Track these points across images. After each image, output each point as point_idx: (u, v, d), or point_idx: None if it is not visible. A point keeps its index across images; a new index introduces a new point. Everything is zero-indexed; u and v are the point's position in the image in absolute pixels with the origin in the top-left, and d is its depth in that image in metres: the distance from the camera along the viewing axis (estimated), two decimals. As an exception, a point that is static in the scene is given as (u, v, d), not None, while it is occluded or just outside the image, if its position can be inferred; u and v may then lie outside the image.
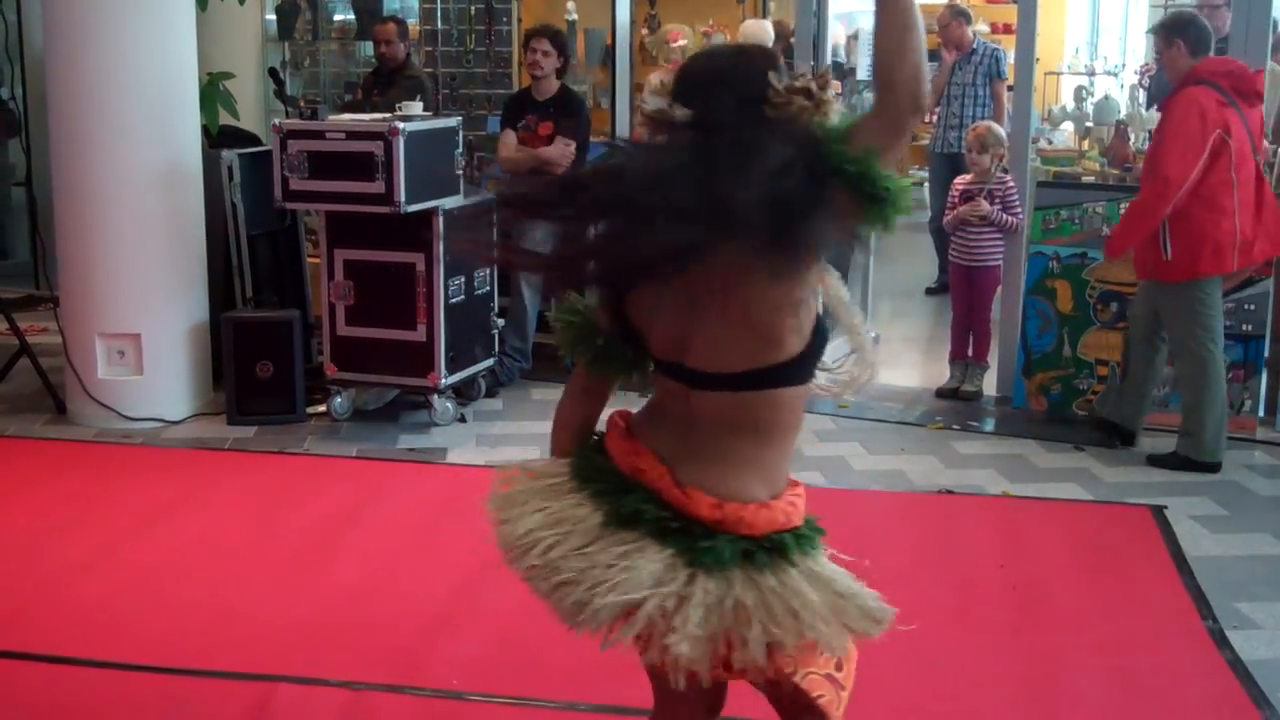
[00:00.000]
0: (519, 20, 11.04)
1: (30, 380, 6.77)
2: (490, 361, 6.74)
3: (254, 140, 7.67)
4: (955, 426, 6.48)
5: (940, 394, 6.97)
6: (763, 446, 2.45)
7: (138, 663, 4.02)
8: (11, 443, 6.25)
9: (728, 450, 2.43)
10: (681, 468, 2.43)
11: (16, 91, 9.46)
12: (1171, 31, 5.85)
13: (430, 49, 10.70)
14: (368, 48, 11.42)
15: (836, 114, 2.32)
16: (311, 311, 7.22)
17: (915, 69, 2.23)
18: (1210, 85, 5.68)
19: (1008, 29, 11.10)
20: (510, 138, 7.29)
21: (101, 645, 4.13)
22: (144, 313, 6.39)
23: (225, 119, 7.48)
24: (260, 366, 6.39)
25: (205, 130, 6.90)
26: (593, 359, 2.60)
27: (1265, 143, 6.09)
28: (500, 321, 6.77)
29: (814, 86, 2.30)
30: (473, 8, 11.04)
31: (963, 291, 7.03)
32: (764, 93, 2.29)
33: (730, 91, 2.31)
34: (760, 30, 9.23)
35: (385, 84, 8.00)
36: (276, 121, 6.29)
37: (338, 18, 11.51)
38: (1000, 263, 6.91)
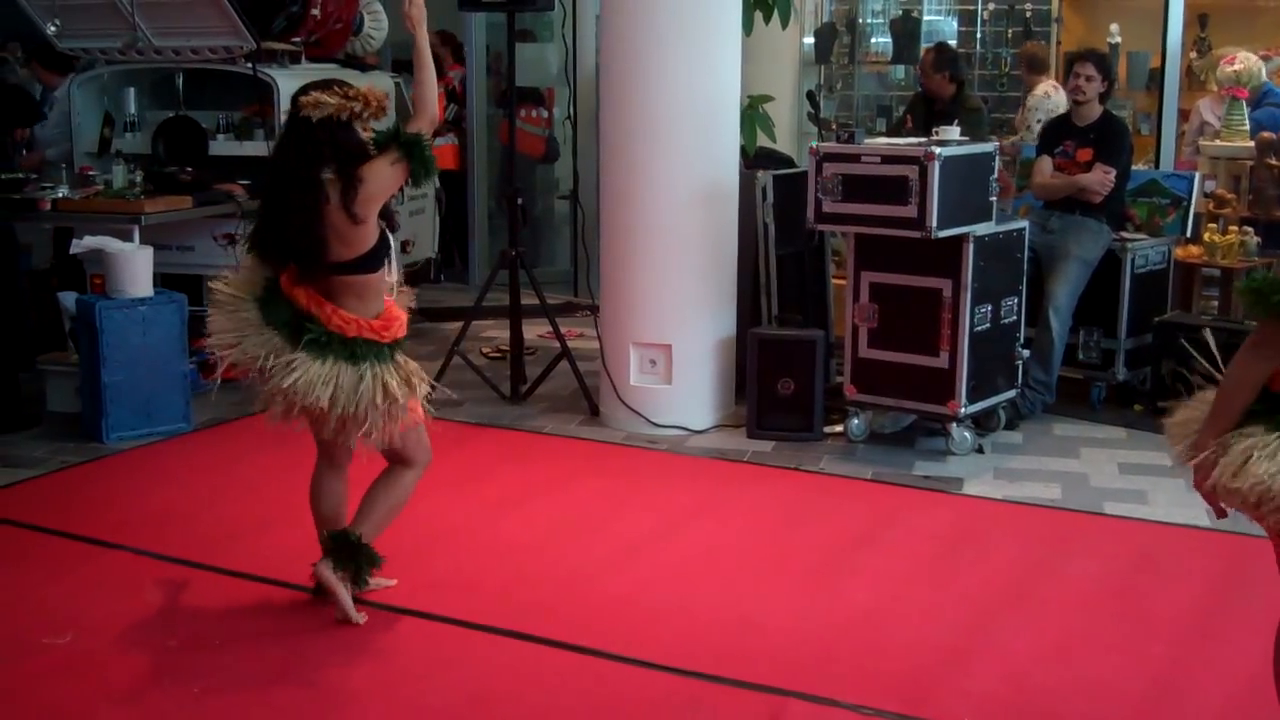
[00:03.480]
0: (1058, 42, 10.77)
1: (568, 382, 7.20)
2: (1012, 393, 6.54)
3: (787, 162, 7.81)
4: None
5: None
6: None
7: (653, 661, 4.15)
8: (550, 440, 6.66)
9: None
10: None
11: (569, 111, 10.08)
12: None
13: (966, 72, 10.60)
14: (900, 71, 11.46)
15: None
16: (833, 332, 7.29)
17: None
18: None
19: None
20: (1046, 164, 7.10)
21: (620, 640, 4.30)
22: (676, 324, 6.65)
23: (761, 140, 7.67)
24: (782, 383, 6.50)
25: (742, 151, 7.09)
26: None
27: None
28: (1026, 353, 6.57)
29: None
30: (1010, 31, 10.87)
31: None
32: None
33: None
34: (1251, 61, 8.67)
35: (941, 115, 7.84)
36: (814, 144, 6.37)
37: (874, 40, 11.60)
38: None
